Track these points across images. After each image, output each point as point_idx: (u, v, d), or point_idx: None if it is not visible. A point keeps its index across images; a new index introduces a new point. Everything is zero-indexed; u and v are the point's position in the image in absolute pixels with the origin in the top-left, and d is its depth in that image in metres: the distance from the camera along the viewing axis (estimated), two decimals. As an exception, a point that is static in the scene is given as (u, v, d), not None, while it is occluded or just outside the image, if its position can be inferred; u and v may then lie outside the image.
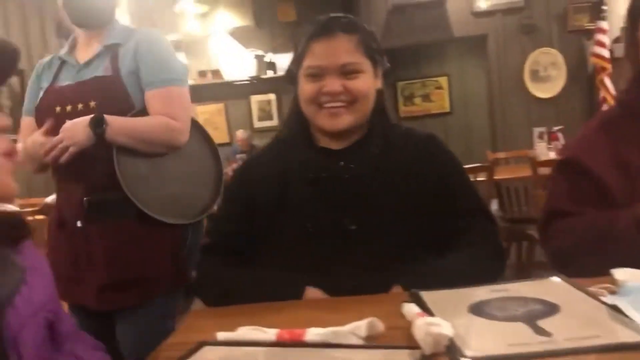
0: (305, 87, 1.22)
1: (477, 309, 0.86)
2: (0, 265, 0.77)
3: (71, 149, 1.51)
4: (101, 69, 1.61)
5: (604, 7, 5.30)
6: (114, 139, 1.53)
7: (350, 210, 1.18)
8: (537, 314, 0.81)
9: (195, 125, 1.70)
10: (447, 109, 8.33)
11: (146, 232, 1.59)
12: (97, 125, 1.51)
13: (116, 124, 1.52)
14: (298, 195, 1.22)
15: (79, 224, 1.57)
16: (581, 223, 1.18)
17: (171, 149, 1.63)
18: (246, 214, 1.25)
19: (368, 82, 1.22)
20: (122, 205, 1.55)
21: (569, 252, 1.18)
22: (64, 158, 1.52)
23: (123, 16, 6.06)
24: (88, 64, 1.64)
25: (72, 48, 1.71)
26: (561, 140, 4.22)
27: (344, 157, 1.23)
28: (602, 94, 5.31)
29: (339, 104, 1.20)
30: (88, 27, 1.66)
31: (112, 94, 1.57)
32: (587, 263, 1.05)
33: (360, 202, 1.19)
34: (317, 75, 1.21)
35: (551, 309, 0.83)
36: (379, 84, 1.28)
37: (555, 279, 0.98)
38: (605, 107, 5.16)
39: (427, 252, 1.17)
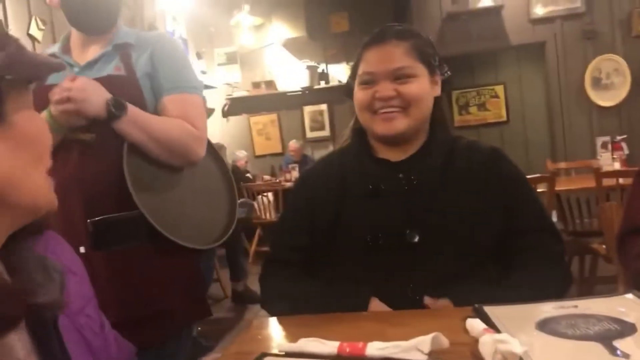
0: (359, 94, 1.22)
1: (545, 326, 0.82)
2: (41, 270, 0.67)
3: (71, 106, 1.31)
4: (111, 69, 1.45)
5: (672, 11, 5.09)
6: (126, 131, 1.35)
7: (412, 223, 1.15)
8: (612, 333, 0.77)
9: (209, 146, 1.56)
10: (504, 118, 8.16)
11: (161, 259, 1.41)
12: (117, 106, 1.34)
13: (133, 112, 1.36)
14: (357, 206, 1.20)
15: (82, 250, 1.36)
16: None
17: (187, 161, 1.48)
18: (307, 226, 1.24)
19: (422, 86, 1.19)
20: (133, 227, 1.36)
21: None
22: (59, 108, 1.33)
23: (180, 29, 6.23)
24: (91, 64, 1.47)
25: (66, 47, 1.54)
26: (625, 150, 4.06)
27: (403, 168, 1.21)
28: (670, 101, 5.09)
29: (392, 109, 1.18)
30: (88, 33, 1.50)
31: (127, 95, 1.40)
32: None
33: (423, 214, 1.16)
34: (370, 81, 1.20)
35: (627, 328, 0.78)
36: (437, 91, 1.24)
37: (629, 296, 0.92)
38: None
39: (491, 266, 1.14)
